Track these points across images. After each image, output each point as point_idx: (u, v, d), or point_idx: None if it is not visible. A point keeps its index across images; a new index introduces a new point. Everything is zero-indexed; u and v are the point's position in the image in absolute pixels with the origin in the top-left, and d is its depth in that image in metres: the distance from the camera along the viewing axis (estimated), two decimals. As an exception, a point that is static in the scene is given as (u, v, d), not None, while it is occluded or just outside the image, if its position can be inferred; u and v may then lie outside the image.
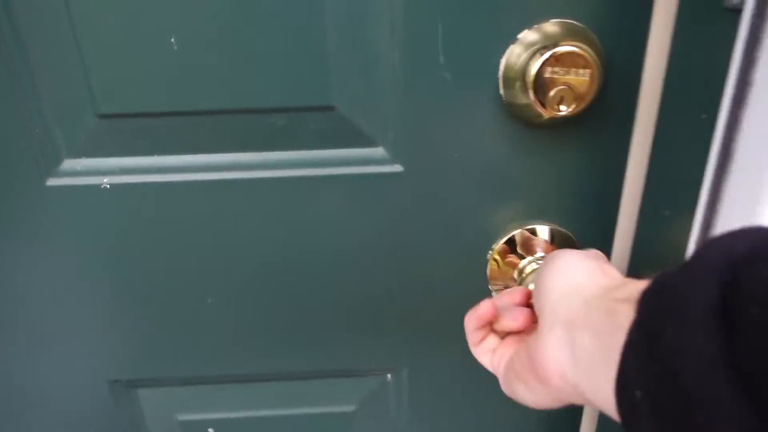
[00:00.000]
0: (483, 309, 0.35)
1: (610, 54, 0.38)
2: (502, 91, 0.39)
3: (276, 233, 0.42)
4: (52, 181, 0.39)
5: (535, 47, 0.37)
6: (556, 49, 0.35)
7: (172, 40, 0.36)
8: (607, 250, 0.40)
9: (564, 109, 0.37)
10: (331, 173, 0.41)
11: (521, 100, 0.38)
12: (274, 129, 0.39)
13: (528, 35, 0.37)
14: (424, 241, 0.44)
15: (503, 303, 0.36)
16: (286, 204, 0.41)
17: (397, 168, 0.41)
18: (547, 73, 0.36)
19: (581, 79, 0.36)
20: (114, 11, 0.35)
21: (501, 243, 0.44)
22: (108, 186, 0.40)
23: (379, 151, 0.41)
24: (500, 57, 0.38)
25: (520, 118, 0.39)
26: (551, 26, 0.37)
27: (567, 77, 0.36)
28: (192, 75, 0.37)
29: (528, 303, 0.37)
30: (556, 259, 0.31)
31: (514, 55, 0.37)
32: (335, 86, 0.38)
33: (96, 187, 0.40)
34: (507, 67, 0.38)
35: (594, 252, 0.33)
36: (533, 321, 0.34)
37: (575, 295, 0.27)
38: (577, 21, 0.37)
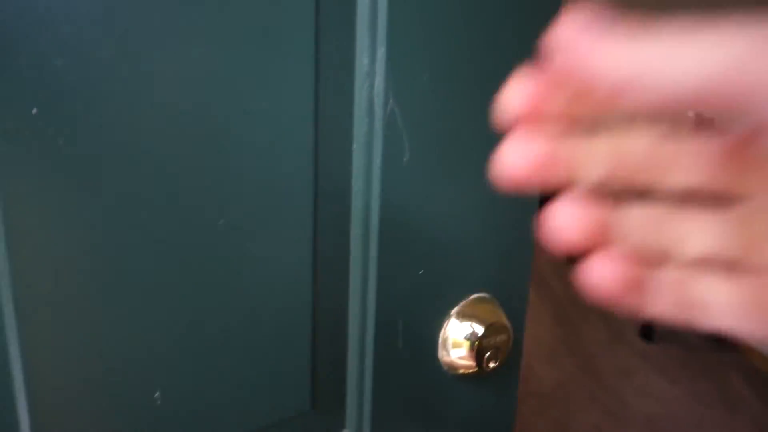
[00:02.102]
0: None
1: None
2: (441, 355, 0.45)
3: None
4: None
5: (466, 319, 0.45)
6: (488, 324, 0.44)
7: (156, 395, 0.32)
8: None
9: (492, 365, 0.46)
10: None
11: (458, 362, 0.45)
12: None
13: (459, 309, 0.45)
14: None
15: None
16: None
17: (363, 442, 0.43)
18: (483, 343, 0.44)
19: (502, 341, 0.46)
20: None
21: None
22: None
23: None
24: (440, 330, 0.45)
25: (456, 375, 0.46)
26: (474, 301, 0.46)
27: (494, 342, 0.45)
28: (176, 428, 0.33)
29: None
30: None
31: (450, 326, 0.45)
32: (315, 390, 0.39)
33: None
34: (444, 338, 0.45)
35: None
36: None
37: None
38: (489, 294, 0.47)
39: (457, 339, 0.45)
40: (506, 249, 0.46)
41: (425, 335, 0.44)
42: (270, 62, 0.33)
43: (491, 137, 0.41)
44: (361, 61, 0.35)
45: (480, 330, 0.44)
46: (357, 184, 0.37)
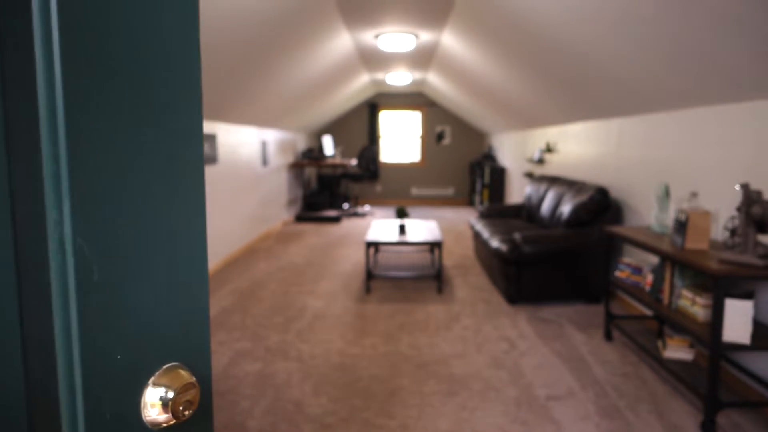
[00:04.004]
0: None
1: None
2: (144, 416, 0.59)
3: None
4: None
5: (160, 385, 0.60)
6: (178, 385, 0.60)
7: None
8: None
9: (187, 414, 0.61)
10: None
11: (159, 418, 0.60)
12: None
13: (154, 380, 0.60)
14: None
15: None
16: None
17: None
18: (176, 400, 0.60)
19: (192, 395, 0.62)
20: None
21: None
22: None
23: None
24: (141, 398, 0.58)
25: (161, 428, 0.60)
26: (166, 370, 0.61)
27: (186, 397, 0.61)
28: None
29: None
30: None
31: (149, 393, 0.59)
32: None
33: None
34: (145, 403, 0.59)
35: None
36: None
37: None
38: (178, 362, 0.62)
39: (154, 401, 0.59)
40: (185, 325, 0.63)
41: (128, 404, 0.57)
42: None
43: (161, 247, 0.57)
44: (51, 214, 0.49)
45: (172, 391, 0.59)
46: (56, 303, 0.49)
